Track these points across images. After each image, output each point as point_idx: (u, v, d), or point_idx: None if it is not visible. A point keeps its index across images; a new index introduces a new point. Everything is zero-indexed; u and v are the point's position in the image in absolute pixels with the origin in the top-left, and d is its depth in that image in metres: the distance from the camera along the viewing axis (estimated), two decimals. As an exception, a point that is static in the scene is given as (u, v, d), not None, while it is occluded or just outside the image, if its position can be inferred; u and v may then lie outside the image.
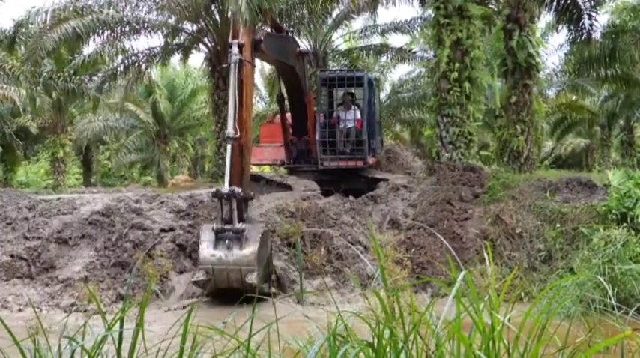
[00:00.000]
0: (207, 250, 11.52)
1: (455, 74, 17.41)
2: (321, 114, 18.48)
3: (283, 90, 18.79)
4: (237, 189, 11.57)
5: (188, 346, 3.35)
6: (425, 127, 30.11)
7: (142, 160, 46.11)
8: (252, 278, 11.17)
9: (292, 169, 19.45)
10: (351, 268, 13.43)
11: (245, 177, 12.73)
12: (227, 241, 11.50)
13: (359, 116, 18.50)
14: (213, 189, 12.05)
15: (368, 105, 18.80)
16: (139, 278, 12.56)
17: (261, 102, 38.83)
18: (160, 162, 40.36)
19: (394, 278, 3.13)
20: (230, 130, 12.06)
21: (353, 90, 18.99)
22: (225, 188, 11.57)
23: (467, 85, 17.52)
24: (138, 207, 15.02)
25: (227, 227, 11.54)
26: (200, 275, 11.55)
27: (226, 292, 11.36)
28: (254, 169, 18.90)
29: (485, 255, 3.94)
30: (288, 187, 17.34)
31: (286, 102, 18.75)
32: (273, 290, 12.16)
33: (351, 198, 16.23)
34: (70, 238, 13.97)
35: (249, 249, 11.43)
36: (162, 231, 14.31)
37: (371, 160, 18.43)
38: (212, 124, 26.46)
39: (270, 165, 21.41)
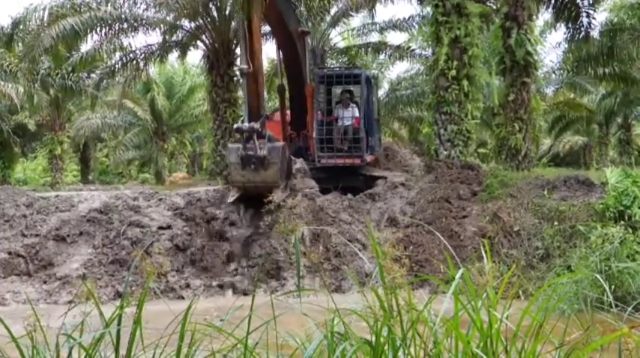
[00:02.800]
0: (236, 171, 13.84)
1: (453, 72, 17.40)
2: (319, 112, 18.45)
3: (285, 81, 18.80)
4: (256, 126, 13.46)
5: (186, 343, 3.36)
6: (423, 125, 30.11)
7: (139, 157, 46.06)
8: (278, 196, 13.10)
9: None
10: (349, 266, 13.44)
11: (261, 100, 14.42)
12: (252, 165, 13.62)
13: (357, 114, 18.46)
14: (235, 125, 14.34)
15: (366, 103, 18.79)
16: (137, 275, 12.55)
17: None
18: (158, 160, 40.25)
19: (392, 275, 3.12)
20: (243, 66, 13.68)
21: (351, 88, 18.95)
22: (245, 125, 13.57)
23: (465, 82, 17.51)
24: (136, 205, 15.02)
25: (251, 153, 13.57)
26: (234, 194, 14.00)
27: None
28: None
29: (483, 252, 3.95)
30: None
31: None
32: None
33: (349, 195, 16.21)
34: (68, 235, 13.98)
35: (273, 169, 13.70)
36: (160, 228, 14.32)
37: (368, 158, 18.37)
38: (210, 122, 26.39)
39: None
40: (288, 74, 18.76)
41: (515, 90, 19.31)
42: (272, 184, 13.57)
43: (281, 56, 18.80)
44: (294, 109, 19.06)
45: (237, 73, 14.52)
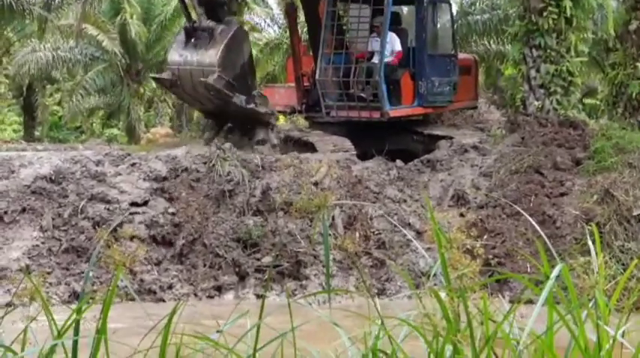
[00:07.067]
0: (175, 51, 15.80)
1: (551, -13, 17.24)
2: (327, 42, 17.74)
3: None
4: None
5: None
6: (505, 64, 29.90)
7: (105, 106, 46.27)
8: (212, 79, 15.10)
9: (308, 120, 19.00)
10: (398, 260, 13.47)
11: None
12: (194, 40, 15.51)
13: (398, 47, 17.89)
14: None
15: (418, 31, 18.44)
16: (101, 269, 12.68)
17: (273, 27, 38.73)
18: (131, 109, 40.43)
19: (459, 273, 3.11)
20: None
21: (395, 10, 18.32)
22: None
23: (567, 3, 17.29)
24: (100, 171, 15.12)
25: (197, 25, 15.56)
26: (165, 75, 16.10)
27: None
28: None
29: (590, 244, 3.92)
30: (310, 146, 17.24)
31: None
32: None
33: (398, 162, 16.15)
34: (6, 213, 14.12)
35: (216, 49, 15.34)
36: (134, 204, 14.42)
37: (395, 112, 17.59)
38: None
39: (282, 113, 20.95)
40: None
41: (639, 16, 19.07)
42: (208, 68, 15.22)
43: None
44: (311, 37, 18.77)
45: None
